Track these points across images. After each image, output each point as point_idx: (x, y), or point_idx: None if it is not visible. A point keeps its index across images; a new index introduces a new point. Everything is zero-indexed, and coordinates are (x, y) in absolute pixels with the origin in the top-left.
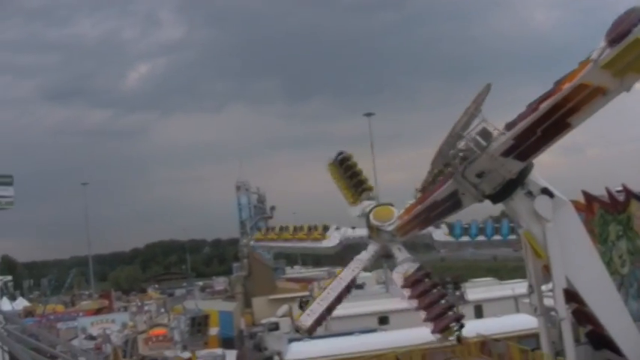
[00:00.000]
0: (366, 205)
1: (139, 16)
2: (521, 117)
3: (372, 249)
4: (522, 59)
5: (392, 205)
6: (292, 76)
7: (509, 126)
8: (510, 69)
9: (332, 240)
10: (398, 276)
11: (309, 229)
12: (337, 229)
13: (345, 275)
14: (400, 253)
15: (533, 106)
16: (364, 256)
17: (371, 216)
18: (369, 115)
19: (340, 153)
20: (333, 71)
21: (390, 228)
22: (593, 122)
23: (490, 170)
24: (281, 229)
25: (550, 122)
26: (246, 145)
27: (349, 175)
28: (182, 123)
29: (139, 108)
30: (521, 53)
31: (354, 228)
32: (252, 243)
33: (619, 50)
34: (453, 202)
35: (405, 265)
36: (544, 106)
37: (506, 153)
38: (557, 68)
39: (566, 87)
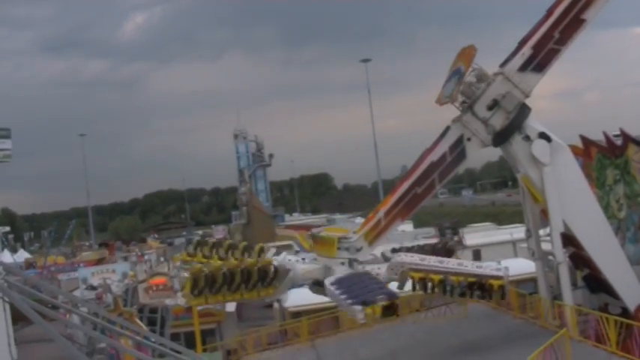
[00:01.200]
0: None
1: None
2: (536, 27)
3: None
4: (518, 2)
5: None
6: (289, 23)
7: (522, 42)
8: (505, 13)
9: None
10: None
11: (244, 250)
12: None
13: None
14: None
15: (548, 13)
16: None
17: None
18: (365, 61)
19: None
20: (330, 17)
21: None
22: (590, 67)
23: (504, 96)
24: (214, 245)
25: (567, 21)
26: (244, 93)
27: None
28: (180, 72)
29: (137, 58)
30: None
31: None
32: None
33: None
34: (458, 154)
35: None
36: (559, 9)
37: (524, 66)
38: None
39: None
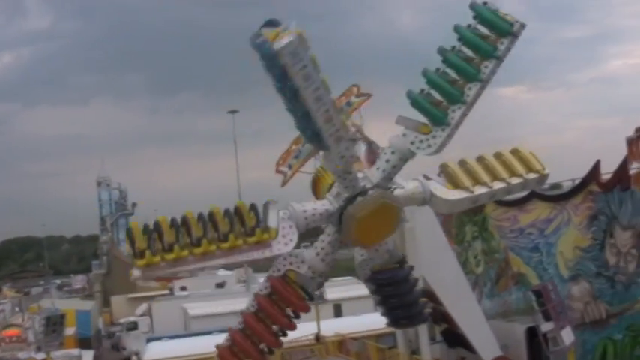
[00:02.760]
0: None
1: (4, 4)
2: None
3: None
4: (388, 60)
5: None
6: (160, 71)
7: None
8: (376, 69)
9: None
10: None
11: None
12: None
13: None
14: None
15: None
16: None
17: None
18: (233, 112)
19: None
20: (202, 67)
21: None
22: None
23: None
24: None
25: None
26: (112, 140)
27: None
28: (47, 115)
29: (2, 99)
30: (387, 54)
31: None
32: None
33: None
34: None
35: None
36: None
37: None
38: (419, 70)
39: None
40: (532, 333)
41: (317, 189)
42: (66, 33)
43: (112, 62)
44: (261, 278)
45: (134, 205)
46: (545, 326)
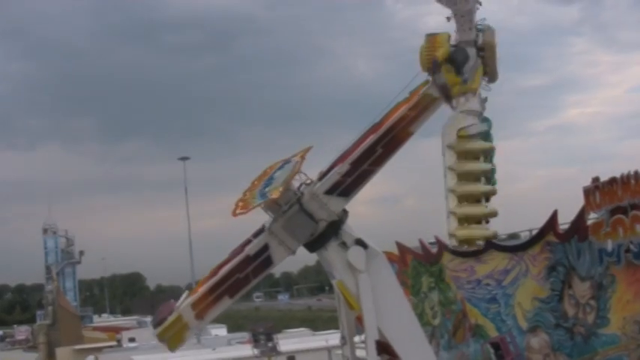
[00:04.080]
0: None
1: None
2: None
3: None
4: (342, 107)
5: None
6: (109, 116)
7: (323, 175)
8: (332, 116)
9: None
10: None
11: None
12: None
13: None
14: None
15: (375, 126)
16: None
17: None
18: (184, 159)
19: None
20: (152, 113)
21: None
22: (410, 174)
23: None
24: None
25: (393, 134)
26: (59, 186)
27: None
28: None
29: None
30: (343, 101)
31: None
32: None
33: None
34: (264, 259)
35: None
36: (388, 123)
37: (332, 190)
38: (371, 117)
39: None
40: None
41: None
42: (13, 75)
43: (61, 106)
44: (213, 330)
45: (81, 253)
46: None
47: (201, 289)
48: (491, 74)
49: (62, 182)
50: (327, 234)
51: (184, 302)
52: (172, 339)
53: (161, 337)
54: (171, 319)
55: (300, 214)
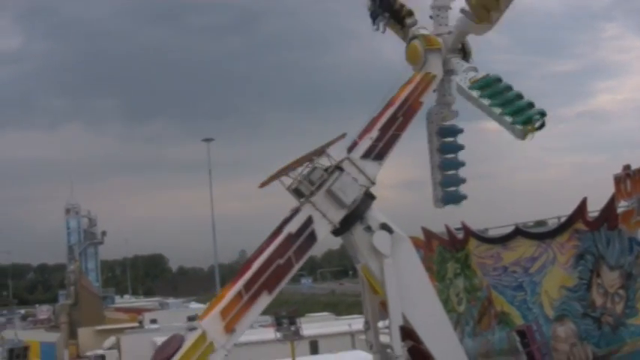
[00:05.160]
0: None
1: None
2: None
3: None
4: (371, 90)
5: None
6: (134, 97)
7: (350, 148)
8: (358, 99)
9: None
10: None
11: None
12: None
13: None
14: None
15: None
16: None
17: None
18: (207, 140)
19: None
20: (176, 94)
21: None
22: None
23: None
24: None
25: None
26: (81, 166)
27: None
28: (14, 139)
29: None
30: (369, 84)
31: None
32: None
33: None
34: (308, 235)
35: None
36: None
37: (367, 153)
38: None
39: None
40: None
41: None
42: (36, 55)
43: (84, 86)
44: None
45: (104, 233)
46: None
47: (231, 292)
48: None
49: (85, 162)
50: (353, 216)
51: (208, 315)
52: None
53: None
54: (190, 341)
55: (342, 177)
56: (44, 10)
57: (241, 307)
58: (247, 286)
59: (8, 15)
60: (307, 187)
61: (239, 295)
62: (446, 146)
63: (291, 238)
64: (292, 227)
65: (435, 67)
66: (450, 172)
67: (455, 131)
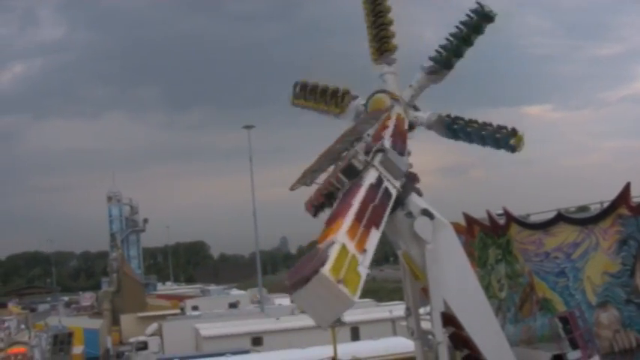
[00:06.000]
0: (357, 102)
1: (17, 13)
2: None
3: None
4: (411, 75)
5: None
6: (174, 85)
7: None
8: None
9: (347, 115)
10: None
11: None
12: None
13: None
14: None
15: None
16: None
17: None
18: (248, 127)
19: (295, 84)
20: (217, 81)
21: None
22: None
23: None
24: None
25: None
26: (123, 154)
27: (319, 94)
28: (57, 128)
29: (12, 110)
30: (410, 70)
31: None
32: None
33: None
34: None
35: None
36: None
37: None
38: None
39: None
40: None
41: None
42: (79, 44)
43: (126, 75)
44: (276, 299)
45: (145, 221)
46: (573, 355)
47: (346, 220)
48: None
49: (127, 151)
50: (394, 202)
51: (337, 232)
52: (349, 280)
53: (335, 276)
54: (335, 252)
55: (389, 152)
56: (86, 1)
57: (362, 232)
58: (358, 216)
59: (51, 5)
60: (361, 160)
61: (356, 221)
62: None
63: (374, 187)
64: (370, 180)
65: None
66: None
67: None
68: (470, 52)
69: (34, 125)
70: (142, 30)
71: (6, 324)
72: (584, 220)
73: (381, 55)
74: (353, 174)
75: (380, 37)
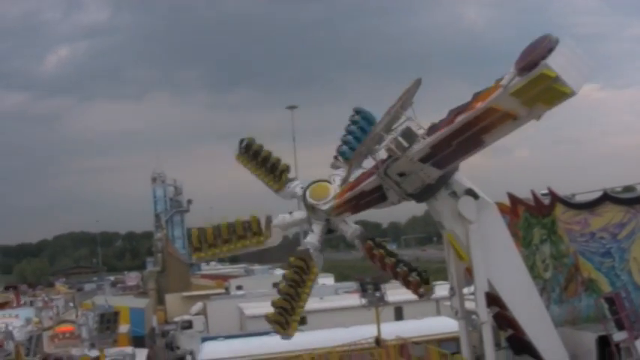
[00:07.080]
0: (295, 185)
1: None
2: (441, 124)
3: (317, 229)
4: (454, 56)
5: (328, 181)
6: (218, 66)
7: (432, 129)
8: (441, 66)
9: (275, 238)
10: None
11: (244, 227)
12: (271, 222)
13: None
14: (347, 227)
15: (450, 118)
16: (313, 239)
17: (307, 194)
18: (291, 107)
19: (242, 141)
20: (260, 62)
21: (325, 207)
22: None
23: (410, 172)
24: (214, 233)
25: (464, 137)
26: (167, 135)
27: (261, 161)
28: (102, 110)
29: (58, 92)
30: (453, 49)
31: (290, 213)
32: (194, 260)
33: (527, 81)
34: (379, 196)
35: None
36: (459, 120)
37: (424, 160)
38: (489, 68)
39: (478, 107)
40: (603, 342)
41: None
42: (123, 27)
43: (169, 57)
44: (320, 279)
45: (189, 201)
46: (618, 335)
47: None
48: None
49: (170, 132)
50: (438, 182)
51: None
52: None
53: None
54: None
55: (410, 163)
56: None
57: None
58: None
59: None
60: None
61: None
62: None
63: (363, 194)
64: (365, 187)
65: None
66: None
67: None
68: (514, 31)
69: (80, 107)
70: (185, 11)
71: (54, 303)
72: (630, 199)
73: (280, 181)
74: (412, 138)
75: (276, 174)
